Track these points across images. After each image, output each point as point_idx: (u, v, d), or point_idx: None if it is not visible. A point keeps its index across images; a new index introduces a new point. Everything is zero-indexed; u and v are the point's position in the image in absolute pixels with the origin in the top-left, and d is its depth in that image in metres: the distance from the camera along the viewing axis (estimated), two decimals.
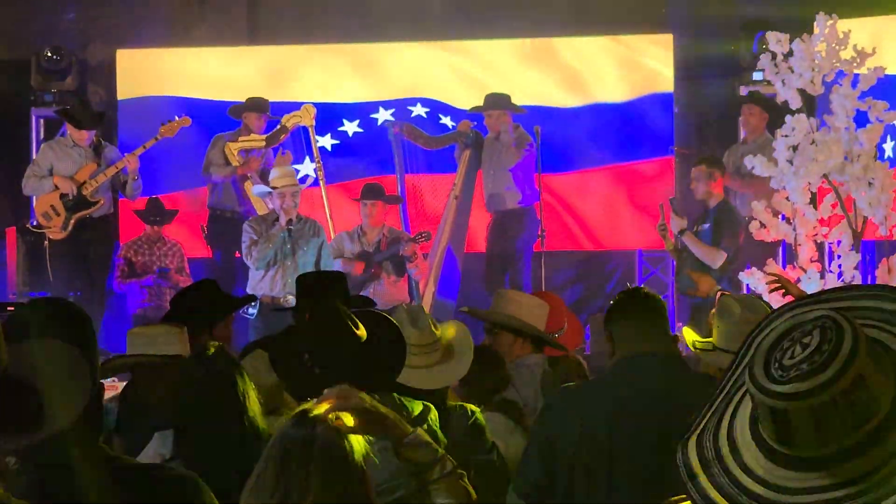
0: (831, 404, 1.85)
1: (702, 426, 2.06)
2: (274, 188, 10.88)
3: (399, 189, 12.37)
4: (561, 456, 4.27)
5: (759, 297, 6.92)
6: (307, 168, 12.70)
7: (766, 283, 7.79)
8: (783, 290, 6.54)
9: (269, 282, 10.75)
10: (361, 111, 13.22)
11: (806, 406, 1.86)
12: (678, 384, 4.27)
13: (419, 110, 13.08)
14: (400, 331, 4.65)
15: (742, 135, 12.21)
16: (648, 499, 4.15)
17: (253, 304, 10.26)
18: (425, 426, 4.50)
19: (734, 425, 2.01)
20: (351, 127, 13.18)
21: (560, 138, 12.82)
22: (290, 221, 10.76)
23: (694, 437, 2.05)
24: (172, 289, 11.57)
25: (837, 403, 1.85)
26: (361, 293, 10.74)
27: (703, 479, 1.97)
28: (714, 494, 1.94)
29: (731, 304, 5.04)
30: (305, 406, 3.35)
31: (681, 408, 4.14)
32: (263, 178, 12.01)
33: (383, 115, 13.11)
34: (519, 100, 12.43)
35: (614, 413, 4.26)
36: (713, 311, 5.53)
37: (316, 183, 12.40)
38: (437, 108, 13.14)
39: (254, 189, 11.36)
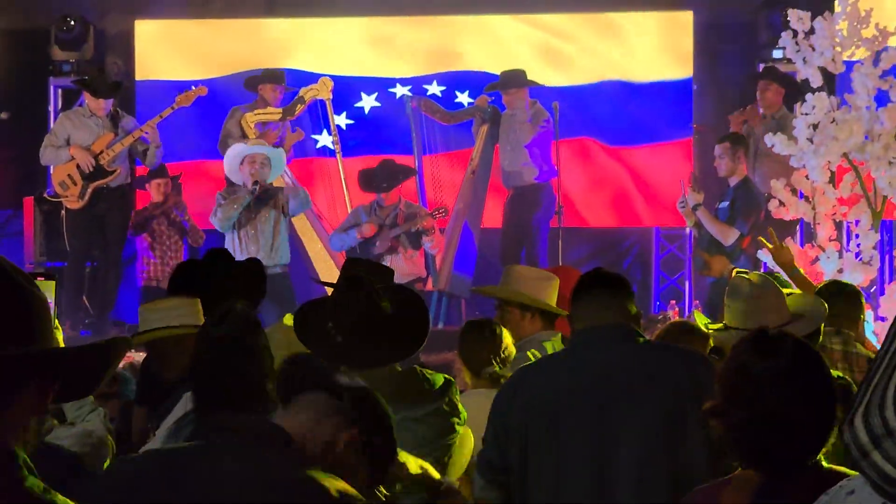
0: None
1: (865, 403, 2.00)
2: (250, 149, 10.93)
3: (416, 164, 12.35)
4: (512, 432, 4.28)
5: (772, 273, 6.87)
6: (324, 140, 12.69)
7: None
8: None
9: (238, 249, 10.73)
10: (378, 85, 13.18)
11: None
12: (624, 354, 4.28)
13: (435, 89, 13.02)
14: (424, 304, 4.67)
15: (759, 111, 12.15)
16: (595, 468, 4.17)
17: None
18: (446, 399, 4.51)
19: None
20: (369, 101, 13.15)
21: (578, 114, 12.78)
22: (255, 183, 10.78)
23: (859, 415, 1.99)
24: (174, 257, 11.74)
25: None
26: None
27: (876, 455, 1.93)
28: (890, 469, 1.91)
29: (740, 283, 5.00)
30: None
31: (624, 376, 4.23)
32: None
33: (400, 91, 13.08)
34: (537, 75, 12.38)
35: (559, 386, 4.28)
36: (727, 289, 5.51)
37: (333, 154, 12.39)
38: (453, 85, 13.08)
39: (227, 152, 11.26)
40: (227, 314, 4.25)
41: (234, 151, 11.07)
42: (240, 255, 10.04)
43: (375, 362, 4.42)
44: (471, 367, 5.44)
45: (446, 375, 4.70)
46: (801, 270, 7.10)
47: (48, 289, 5.09)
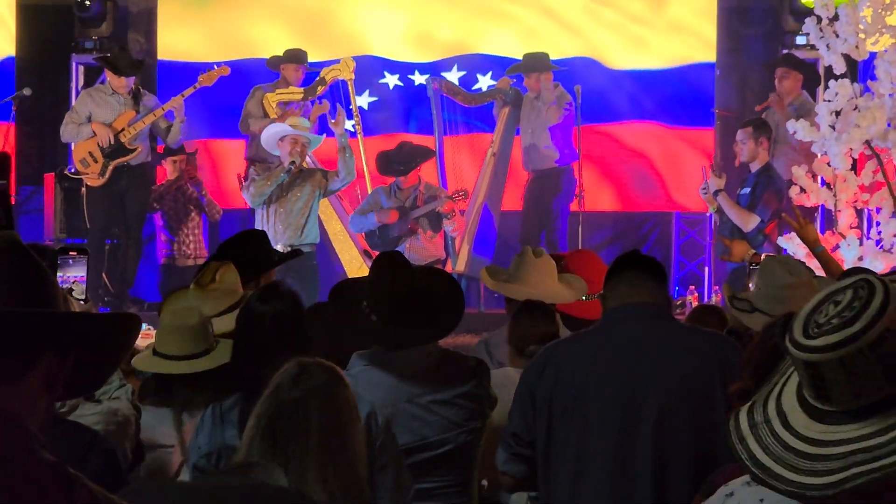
0: (861, 357, 1.94)
1: (753, 399, 2.19)
2: (291, 128, 10.90)
3: (437, 145, 12.34)
4: (539, 407, 4.30)
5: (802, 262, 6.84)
6: (345, 122, 12.68)
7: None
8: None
9: (266, 225, 10.72)
10: (399, 69, 13.16)
11: (836, 358, 1.95)
12: (655, 332, 4.31)
13: (454, 76, 12.98)
14: (458, 286, 4.69)
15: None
16: (617, 444, 4.18)
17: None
18: (477, 381, 4.53)
19: (783, 395, 2.13)
20: (392, 80, 13.14)
21: (601, 98, 12.76)
22: (292, 163, 10.78)
23: (745, 408, 2.18)
24: (193, 238, 11.78)
25: (867, 356, 1.94)
26: (397, 248, 10.77)
27: (751, 440, 2.09)
28: (760, 454, 2.06)
29: (773, 266, 4.98)
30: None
31: (653, 355, 4.24)
32: None
33: (419, 79, 13.06)
34: (561, 55, 12.37)
35: (588, 363, 4.30)
36: (751, 275, 5.49)
37: (354, 135, 12.39)
38: (474, 68, 13.04)
39: (266, 130, 11.25)
40: (271, 291, 4.31)
41: (278, 129, 11.04)
42: (268, 232, 10.03)
43: (409, 341, 4.46)
44: (516, 345, 5.40)
45: (479, 358, 4.72)
46: (825, 249, 7.07)
47: (81, 263, 5.09)
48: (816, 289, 4.83)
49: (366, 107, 12.97)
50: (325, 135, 11.51)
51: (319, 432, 3.25)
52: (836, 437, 1.97)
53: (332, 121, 11.19)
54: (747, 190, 10.54)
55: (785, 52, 12.12)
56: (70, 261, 5.10)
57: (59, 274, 5.02)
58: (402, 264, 4.55)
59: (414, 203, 11.50)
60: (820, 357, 1.96)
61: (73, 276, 5.06)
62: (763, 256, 5.63)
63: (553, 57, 12.19)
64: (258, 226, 10.77)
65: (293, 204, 10.89)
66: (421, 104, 12.82)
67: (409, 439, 4.34)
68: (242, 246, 5.83)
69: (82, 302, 4.90)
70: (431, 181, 11.99)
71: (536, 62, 12.08)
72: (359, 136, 12.30)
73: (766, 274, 4.96)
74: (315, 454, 3.21)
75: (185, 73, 12.53)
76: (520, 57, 12.35)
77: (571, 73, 12.37)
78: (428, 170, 12.16)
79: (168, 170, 12.19)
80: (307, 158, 11.63)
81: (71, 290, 4.93)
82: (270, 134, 11.02)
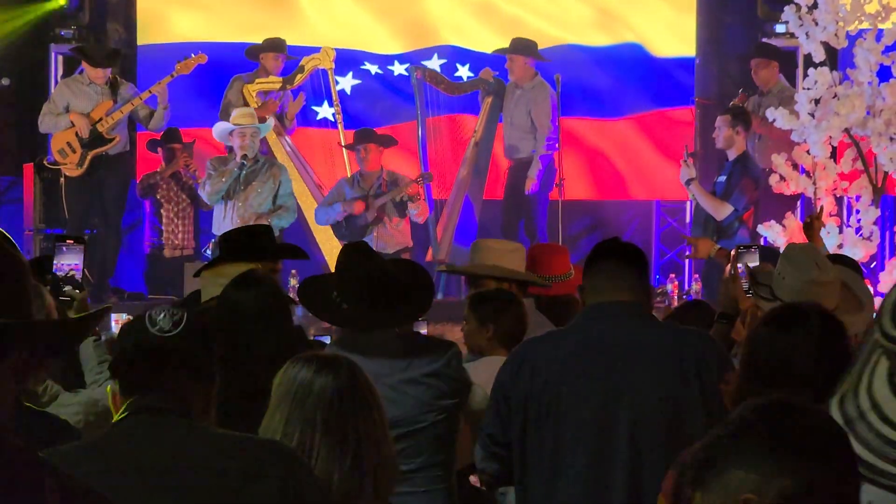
0: None
1: (841, 390, 2.09)
2: (235, 125, 10.91)
3: (420, 133, 12.32)
4: (514, 408, 4.24)
5: (771, 248, 6.84)
6: (325, 111, 12.66)
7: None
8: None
9: (228, 221, 10.72)
10: (378, 60, 13.12)
11: None
12: (632, 333, 4.22)
13: (434, 63, 12.94)
14: (425, 272, 4.73)
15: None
16: (593, 446, 4.15)
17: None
18: (446, 361, 4.53)
19: (874, 385, 2.04)
20: (372, 68, 13.10)
21: (580, 85, 12.75)
22: (244, 157, 10.77)
23: (836, 400, 2.07)
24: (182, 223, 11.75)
25: None
26: (365, 237, 10.79)
27: (850, 437, 1.97)
28: (861, 451, 1.97)
29: (802, 258, 4.72)
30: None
31: (629, 356, 4.17)
32: (280, 120, 12.03)
33: (398, 69, 13.02)
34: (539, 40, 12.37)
35: (564, 365, 4.22)
36: (728, 269, 5.41)
37: (335, 126, 12.37)
38: (453, 58, 13.02)
39: (214, 129, 11.28)
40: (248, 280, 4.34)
41: (221, 128, 11.08)
42: (227, 228, 9.93)
43: (380, 323, 4.52)
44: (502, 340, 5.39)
45: (449, 340, 4.73)
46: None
47: (77, 251, 5.16)
48: (841, 287, 4.74)
49: (348, 90, 12.91)
50: (274, 122, 11.61)
51: (367, 418, 3.28)
52: None
53: (294, 102, 11.27)
54: (723, 178, 10.55)
55: (763, 40, 12.12)
56: (64, 248, 5.15)
57: (55, 261, 5.08)
58: (366, 250, 4.62)
59: (378, 190, 11.47)
60: None
61: (68, 263, 5.11)
62: (733, 251, 5.54)
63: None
64: (216, 221, 10.82)
65: (253, 199, 10.88)
66: (401, 94, 12.80)
67: None
68: (247, 239, 5.83)
69: (77, 291, 4.96)
70: (413, 170, 11.98)
71: (521, 47, 12.09)
72: (339, 125, 12.28)
73: (793, 264, 4.77)
74: (372, 439, 3.26)
75: (166, 53, 12.48)
76: (494, 51, 12.37)
77: (553, 63, 12.35)
78: (410, 159, 12.14)
79: (163, 157, 12.15)
80: (285, 147, 11.63)
81: (68, 276, 5.00)
82: (219, 132, 11.09)
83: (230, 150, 11.25)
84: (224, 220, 10.73)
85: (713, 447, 1.93)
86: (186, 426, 2.87)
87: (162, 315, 2.92)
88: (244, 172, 10.86)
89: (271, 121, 11.57)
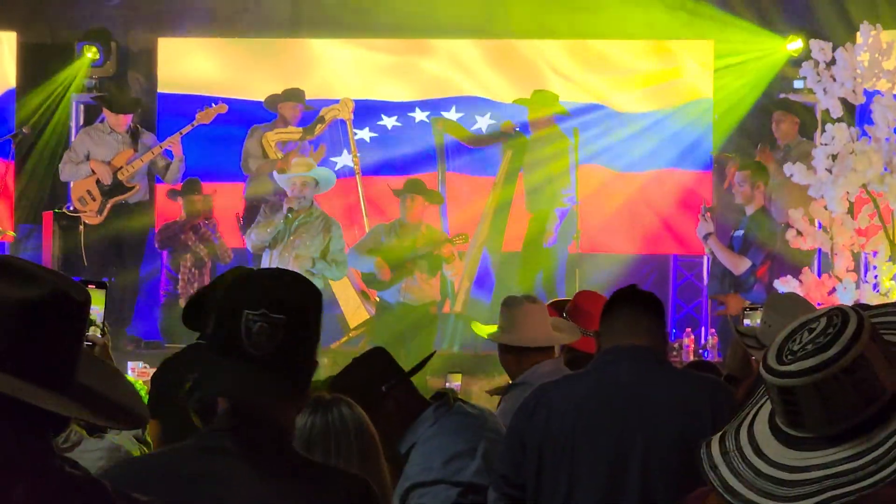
0: (835, 382, 1.96)
1: (725, 427, 2.19)
2: (288, 175, 10.95)
3: (440, 186, 12.35)
4: (529, 450, 4.26)
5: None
6: (345, 160, 12.69)
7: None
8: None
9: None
10: (398, 109, 13.15)
11: (811, 383, 1.97)
12: (647, 377, 4.25)
13: (453, 115, 12.95)
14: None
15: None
16: (606, 492, 4.15)
17: None
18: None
19: (755, 424, 2.13)
20: (389, 121, 13.14)
21: (599, 141, 12.77)
22: (290, 210, 10.78)
23: (717, 437, 2.18)
24: (198, 273, 11.76)
25: (841, 382, 1.96)
26: (391, 288, 10.83)
27: (723, 468, 2.10)
28: (732, 481, 2.06)
29: (785, 305, 4.84)
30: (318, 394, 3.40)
31: (643, 400, 4.20)
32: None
33: (420, 116, 13.06)
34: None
35: (579, 405, 4.25)
36: (743, 319, 5.40)
37: (353, 174, 12.39)
38: (472, 109, 13.02)
39: (277, 177, 11.35)
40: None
41: (284, 177, 11.11)
42: None
43: None
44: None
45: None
46: None
47: (99, 298, 5.10)
48: None
49: (368, 139, 12.91)
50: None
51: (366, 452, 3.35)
52: (810, 462, 1.98)
53: (314, 152, 11.28)
54: (741, 232, 10.58)
55: (781, 95, 12.15)
56: None
57: None
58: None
59: (413, 244, 11.42)
60: (794, 382, 1.98)
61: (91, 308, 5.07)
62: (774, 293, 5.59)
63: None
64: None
65: (300, 249, 10.86)
66: (421, 143, 12.84)
67: None
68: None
69: (100, 336, 4.93)
70: (433, 221, 11.98)
71: (542, 99, 12.15)
72: (357, 175, 12.31)
73: (778, 312, 4.84)
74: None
75: (185, 104, 12.55)
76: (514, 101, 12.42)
77: (573, 117, 12.38)
78: (429, 211, 12.20)
79: (184, 208, 12.16)
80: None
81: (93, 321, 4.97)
82: (280, 181, 11.12)
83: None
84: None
85: None
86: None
87: None
88: (296, 223, 10.85)
89: (331, 171, 11.59)
